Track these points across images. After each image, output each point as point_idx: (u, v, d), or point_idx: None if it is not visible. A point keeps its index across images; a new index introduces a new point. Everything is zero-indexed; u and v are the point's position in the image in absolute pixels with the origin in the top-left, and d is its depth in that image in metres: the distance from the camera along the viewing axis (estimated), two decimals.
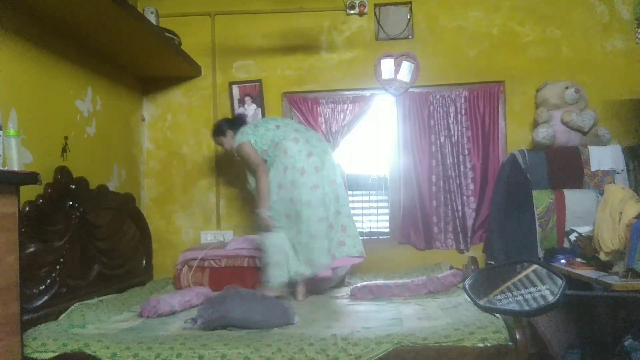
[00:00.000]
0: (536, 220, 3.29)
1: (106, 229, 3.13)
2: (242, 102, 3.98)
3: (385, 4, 3.92)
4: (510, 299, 1.54)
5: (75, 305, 2.66)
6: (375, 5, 3.92)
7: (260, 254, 3.14)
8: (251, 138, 3.16)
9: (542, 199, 3.32)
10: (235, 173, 3.98)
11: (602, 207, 2.64)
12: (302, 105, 3.92)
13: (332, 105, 3.90)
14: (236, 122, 3.39)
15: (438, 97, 3.81)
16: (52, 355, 2.10)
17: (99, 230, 3.06)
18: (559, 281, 1.41)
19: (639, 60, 3.70)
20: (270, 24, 3.97)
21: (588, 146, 3.43)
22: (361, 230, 4.22)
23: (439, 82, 3.86)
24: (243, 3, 3.99)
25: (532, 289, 1.48)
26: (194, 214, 3.98)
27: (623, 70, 3.70)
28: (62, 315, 2.53)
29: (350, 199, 3.95)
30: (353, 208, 4.00)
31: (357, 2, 3.88)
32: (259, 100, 3.96)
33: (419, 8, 3.89)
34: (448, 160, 3.77)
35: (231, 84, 3.98)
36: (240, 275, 3.32)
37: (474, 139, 3.78)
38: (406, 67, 3.85)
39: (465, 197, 3.75)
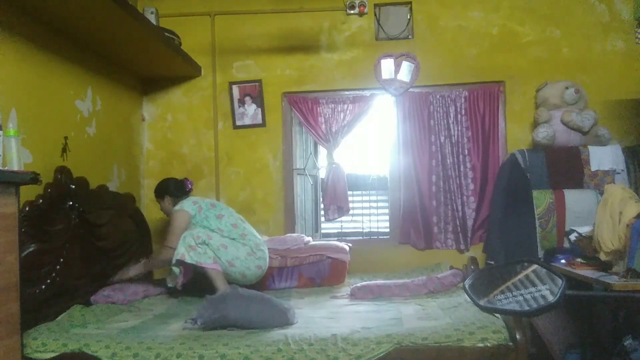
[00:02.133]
0: (536, 220, 3.29)
1: (106, 229, 3.13)
2: (242, 102, 3.98)
3: (385, 4, 3.92)
4: (510, 299, 1.54)
5: (75, 305, 2.66)
6: (375, 5, 3.92)
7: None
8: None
9: (542, 199, 3.32)
10: (235, 173, 3.99)
11: (602, 207, 2.64)
12: (302, 105, 3.92)
13: (332, 105, 3.90)
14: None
15: (438, 97, 3.81)
16: (52, 355, 2.10)
17: (99, 230, 3.05)
18: (559, 281, 1.42)
19: (639, 60, 3.70)
20: (270, 24, 3.97)
21: (588, 146, 3.43)
22: (361, 230, 4.23)
23: (439, 82, 3.86)
24: (243, 3, 3.99)
25: (532, 289, 1.48)
26: None
27: (623, 70, 3.70)
28: (62, 315, 2.53)
29: (350, 199, 3.97)
30: (353, 208, 4.02)
31: (357, 2, 3.88)
32: (259, 100, 3.96)
33: (419, 8, 3.89)
34: (448, 160, 3.77)
35: (231, 84, 3.98)
36: None
37: (474, 139, 3.78)
38: (406, 67, 3.85)
39: (465, 197, 3.75)
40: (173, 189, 3.27)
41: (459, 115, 3.79)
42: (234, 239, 3.04)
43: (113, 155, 3.53)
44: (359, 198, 4.26)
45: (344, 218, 4.03)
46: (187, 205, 3.10)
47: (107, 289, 2.93)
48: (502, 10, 3.84)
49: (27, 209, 2.45)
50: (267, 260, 3.15)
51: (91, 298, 2.84)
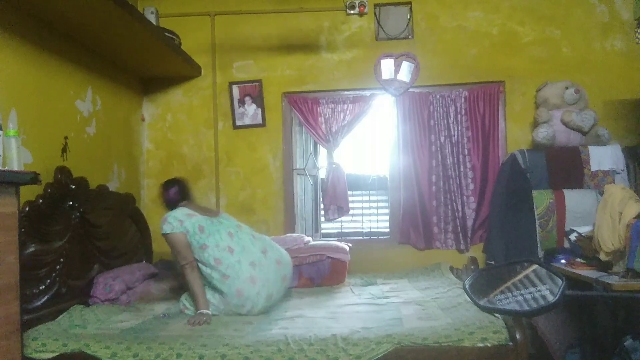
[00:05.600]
0: (536, 220, 3.29)
1: (106, 229, 3.13)
2: (242, 102, 3.98)
3: (385, 4, 3.92)
4: (510, 299, 1.54)
5: (75, 305, 2.66)
6: (375, 5, 3.92)
7: None
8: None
9: (542, 199, 3.32)
10: (235, 173, 3.99)
11: (602, 207, 2.64)
12: (302, 105, 3.92)
13: (332, 105, 3.90)
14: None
15: (438, 97, 3.81)
16: (52, 355, 2.10)
17: (99, 230, 3.05)
18: (559, 281, 1.42)
19: (639, 60, 3.70)
20: (270, 24, 3.97)
21: (588, 146, 3.43)
22: (361, 230, 4.23)
23: (439, 82, 3.86)
24: (243, 3, 3.99)
25: (532, 289, 1.49)
26: None
27: (623, 70, 3.71)
28: (62, 315, 2.52)
29: (351, 199, 3.97)
30: (353, 208, 4.02)
31: (357, 2, 3.88)
32: (259, 100, 3.96)
33: (419, 8, 3.89)
34: (448, 160, 3.77)
35: (231, 84, 3.98)
36: None
37: (474, 139, 3.78)
38: (406, 67, 3.85)
39: (465, 197, 3.75)
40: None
41: (459, 115, 3.79)
42: (212, 280, 2.60)
43: (113, 155, 3.53)
44: (359, 198, 4.26)
45: (344, 218, 4.03)
46: (175, 226, 2.60)
47: (105, 275, 2.92)
48: (502, 10, 3.84)
49: (27, 209, 2.45)
50: (259, 305, 2.65)
51: (92, 293, 2.83)
